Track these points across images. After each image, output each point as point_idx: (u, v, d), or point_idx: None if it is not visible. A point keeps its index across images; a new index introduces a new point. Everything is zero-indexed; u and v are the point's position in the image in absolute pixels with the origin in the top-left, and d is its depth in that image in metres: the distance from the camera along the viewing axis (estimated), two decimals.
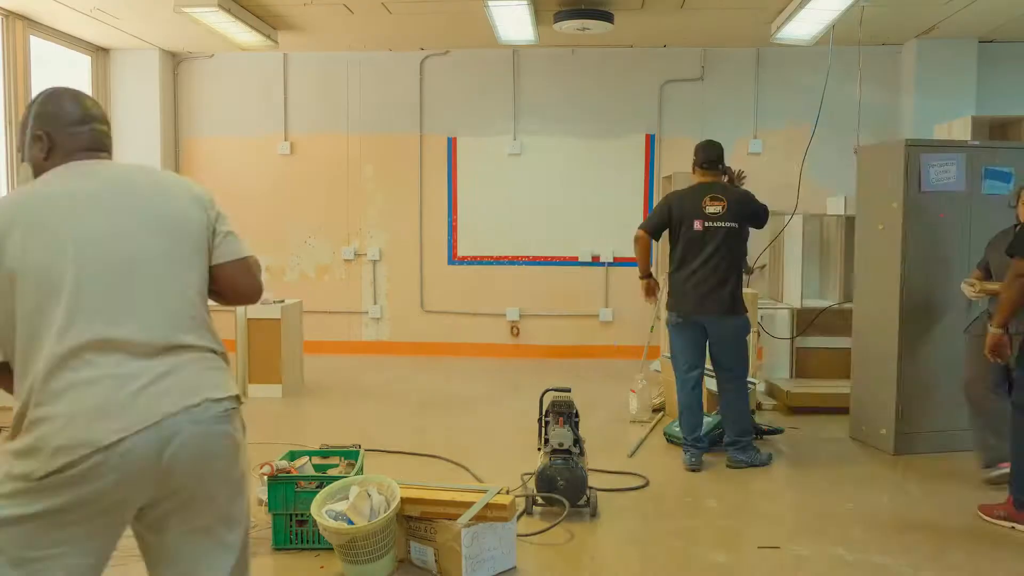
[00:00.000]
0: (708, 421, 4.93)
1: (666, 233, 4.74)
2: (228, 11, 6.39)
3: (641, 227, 4.79)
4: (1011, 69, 7.78)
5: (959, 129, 6.33)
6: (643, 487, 4.21)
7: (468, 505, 3.08)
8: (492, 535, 3.10)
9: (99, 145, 1.96)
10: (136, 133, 8.32)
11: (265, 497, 3.45)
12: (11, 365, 1.76)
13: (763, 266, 7.09)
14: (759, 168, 8.18)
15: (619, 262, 8.33)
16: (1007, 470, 3.85)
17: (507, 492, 3.23)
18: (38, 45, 7.37)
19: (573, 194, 8.35)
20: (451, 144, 8.43)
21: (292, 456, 3.66)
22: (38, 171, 1.90)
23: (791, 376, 6.38)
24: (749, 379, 4.81)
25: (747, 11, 6.82)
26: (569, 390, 4.08)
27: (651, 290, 4.82)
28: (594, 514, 3.74)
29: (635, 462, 4.68)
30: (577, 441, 3.86)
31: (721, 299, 4.52)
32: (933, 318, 4.82)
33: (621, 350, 8.31)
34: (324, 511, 3.10)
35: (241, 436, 1.89)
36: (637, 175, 8.31)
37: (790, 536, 3.58)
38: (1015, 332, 3.74)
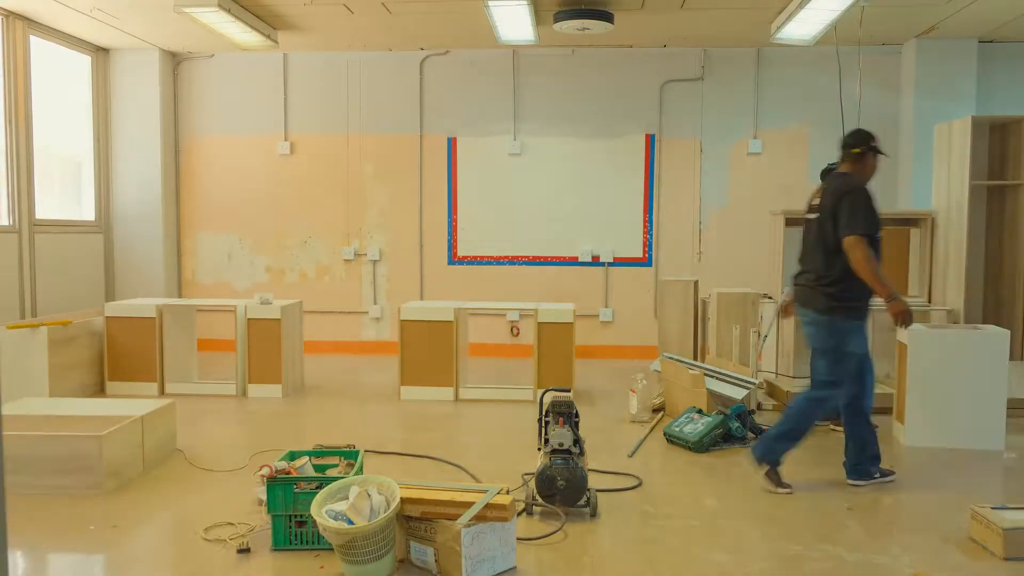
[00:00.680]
0: (708, 421, 4.93)
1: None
2: (228, 11, 6.39)
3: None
4: (1011, 69, 7.78)
5: (959, 129, 6.33)
6: (636, 487, 4.21)
7: (468, 505, 3.07)
8: (492, 535, 3.10)
9: None
10: (136, 133, 8.34)
11: (264, 498, 3.44)
12: None
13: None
14: (759, 168, 8.20)
15: (619, 262, 8.34)
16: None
17: (507, 492, 3.23)
18: (38, 45, 7.37)
19: (573, 194, 8.36)
20: (451, 144, 8.43)
21: (291, 456, 3.66)
22: None
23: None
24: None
25: (747, 11, 6.82)
26: (569, 390, 4.08)
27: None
28: (594, 514, 3.75)
29: (635, 462, 4.68)
30: (577, 441, 3.85)
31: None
32: None
33: (621, 350, 8.33)
34: (324, 511, 3.09)
35: None
36: (637, 175, 8.31)
37: (790, 536, 3.58)
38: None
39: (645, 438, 5.21)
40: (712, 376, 5.59)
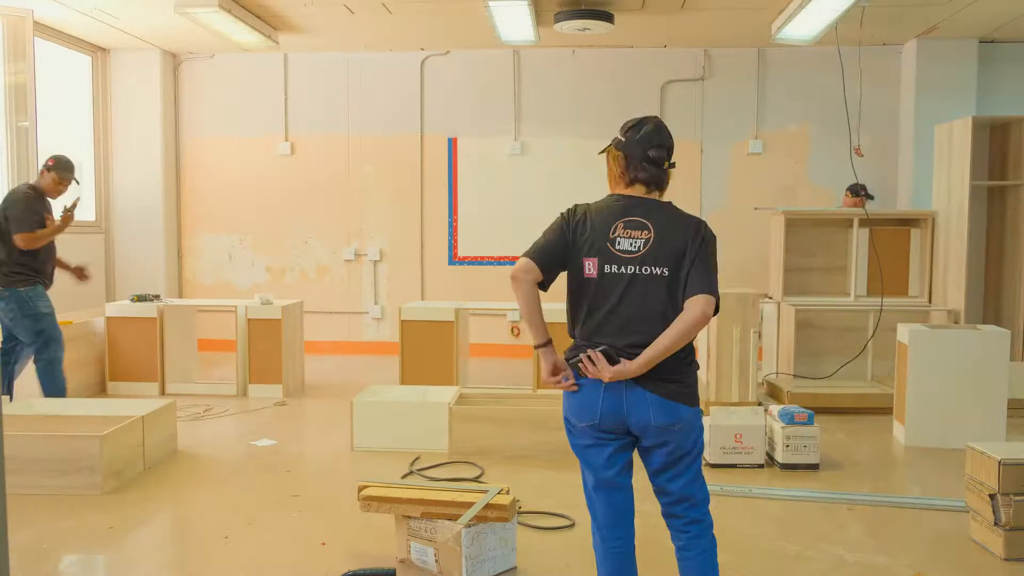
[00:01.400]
0: None
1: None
2: (228, 11, 6.40)
3: None
4: (1011, 69, 7.78)
5: (959, 129, 6.33)
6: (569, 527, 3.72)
7: (468, 505, 3.08)
8: (492, 535, 3.11)
9: None
10: (136, 133, 8.34)
11: None
12: None
13: None
14: (759, 168, 8.20)
15: None
16: None
17: (507, 492, 3.23)
18: (38, 45, 7.36)
19: (574, 194, 8.29)
20: (452, 144, 8.43)
21: None
22: None
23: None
24: None
25: (748, 11, 6.82)
26: None
27: None
28: None
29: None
30: None
31: None
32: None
33: None
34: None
35: None
36: None
37: (790, 536, 3.58)
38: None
39: None
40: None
